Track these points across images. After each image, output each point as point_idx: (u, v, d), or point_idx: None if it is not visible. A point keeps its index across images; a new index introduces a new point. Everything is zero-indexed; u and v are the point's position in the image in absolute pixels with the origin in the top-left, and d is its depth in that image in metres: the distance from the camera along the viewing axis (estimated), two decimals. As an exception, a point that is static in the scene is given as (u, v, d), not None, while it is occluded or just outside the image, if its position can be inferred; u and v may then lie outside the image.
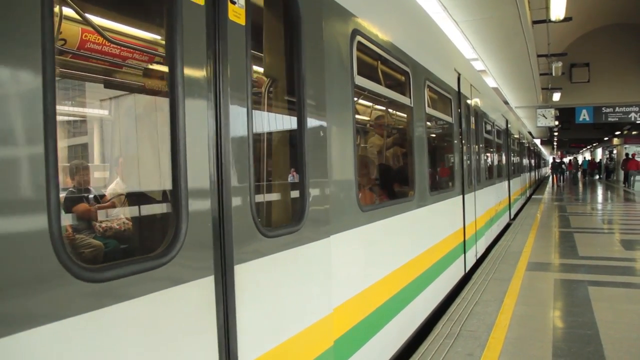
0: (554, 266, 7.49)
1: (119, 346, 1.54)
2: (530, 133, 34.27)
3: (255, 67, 3.52)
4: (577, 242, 9.52)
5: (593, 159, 48.06)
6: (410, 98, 4.57)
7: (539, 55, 15.92)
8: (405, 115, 4.94)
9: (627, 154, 33.34)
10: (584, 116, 21.65)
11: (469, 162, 7.47)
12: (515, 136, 17.25)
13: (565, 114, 25.62)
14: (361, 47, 3.46)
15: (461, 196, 6.76)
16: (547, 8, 11.49)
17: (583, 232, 11.01)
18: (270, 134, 2.84)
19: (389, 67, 4.33)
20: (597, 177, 40.09)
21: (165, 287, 1.70)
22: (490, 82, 17.32)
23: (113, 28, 3.65)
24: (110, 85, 3.78)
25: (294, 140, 2.66)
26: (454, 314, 5.13)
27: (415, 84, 4.67)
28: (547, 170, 55.90)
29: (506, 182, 13.04)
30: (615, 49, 20.64)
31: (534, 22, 12.71)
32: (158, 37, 3.61)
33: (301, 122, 2.63)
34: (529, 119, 28.92)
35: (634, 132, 34.27)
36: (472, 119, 7.87)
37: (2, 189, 1.25)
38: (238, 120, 2.09)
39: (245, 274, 2.08)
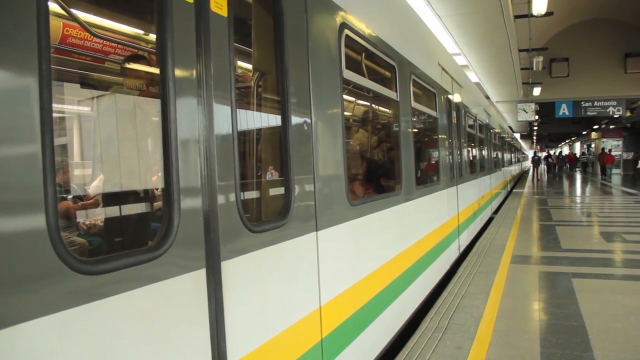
0: (538, 259, 7.57)
1: (117, 335, 1.57)
2: (510, 127, 34.67)
3: (241, 62, 3.46)
4: (559, 234, 9.65)
5: (571, 153, 48.88)
6: (396, 92, 4.59)
7: (520, 50, 16.07)
8: (391, 110, 5.00)
9: (602, 149, 34.01)
10: (564, 110, 21.95)
11: (452, 156, 7.57)
12: (496, 130, 17.48)
13: (545, 109, 25.99)
14: (349, 41, 3.42)
15: (446, 189, 6.84)
16: (529, 3, 11.59)
17: (564, 225, 11.17)
18: (256, 129, 2.82)
19: (375, 62, 4.36)
20: (576, 170, 40.89)
21: (161, 279, 1.72)
22: (472, 76, 17.43)
23: (94, 22, 3.53)
24: (90, 82, 3.70)
25: (278, 135, 2.63)
26: (441, 307, 5.14)
27: (401, 77, 4.69)
28: (527, 164, 56.74)
29: (488, 176, 13.20)
30: (594, 44, 20.94)
31: (516, 17, 12.81)
32: (142, 32, 3.53)
33: (285, 118, 2.60)
34: (509, 114, 29.24)
35: (611, 126, 34.91)
36: (454, 113, 7.95)
37: (3, 187, 1.28)
38: (222, 116, 2.06)
39: (233, 266, 2.11)
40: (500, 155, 18.88)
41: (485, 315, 4.86)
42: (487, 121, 13.70)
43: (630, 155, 36.47)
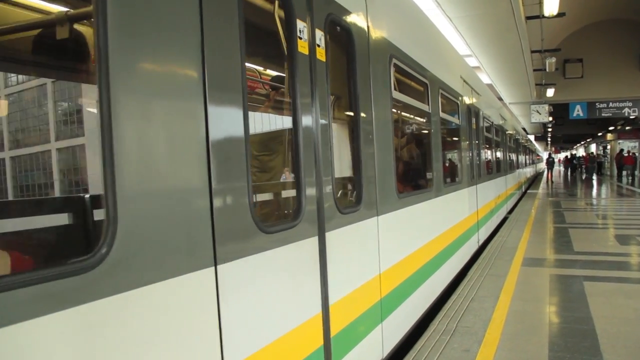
0: (549, 262, 7.50)
1: (280, 272, 2.44)
2: (524, 129, 34.38)
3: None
4: (572, 237, 9.55)
5: (589, 154, 48.04)
6: (428, 105, 5.43)
7: (532, 51, 15.95)
8: (423, 120, 5.88)
9: (621, 150, 33.53)
10: (578, 112, 21.72)
11: (472, 158, 8.34)
12: (511, 133, 17.65)
13: (559, 110, 25.72)
14: (395, 67, 4.25)
15: (467, 188, 7.64)
16: (541, 4, 11.50)
17: (578, 228, 11.04)
18: (339, 139, 3.67)
19: (412, 80, 5.18)
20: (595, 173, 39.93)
21: (297, 239, 2.59)
22: (484, 78, 17.32)
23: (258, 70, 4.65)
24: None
25: (350, 143, 3.50)
26: (450, 310, 5.12)
27: (432, 92, 5.54)
28: (542, 166, 56.29)
29: (504, 177, 13.64)
30: (608, 44, 20.70)
31: (528, 18, 12.71)
32: (280, 74, 4.41)
33: (356, 130, 3.42)
34: (523, 115, 28.99)
35: (627, 128, 34.42)
36: (474, 120, 8.71)
37: (224, 175, 2.02)
38: (326, 126, 2.93)
39: (332, 236, 2.96)
40: (514, 157, 19.05)
41: (494, 318, 4.83)
42: (502, 125, 14.23)
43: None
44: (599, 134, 41.57)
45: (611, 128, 35.72)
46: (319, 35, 2.90)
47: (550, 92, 21.29)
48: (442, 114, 6.03)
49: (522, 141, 25.43)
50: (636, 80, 20.81)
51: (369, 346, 3.46)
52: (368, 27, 3.69)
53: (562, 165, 55.35)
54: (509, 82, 19.97)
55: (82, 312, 1.40)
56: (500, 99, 21.74)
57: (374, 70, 3.71)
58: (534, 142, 50.04)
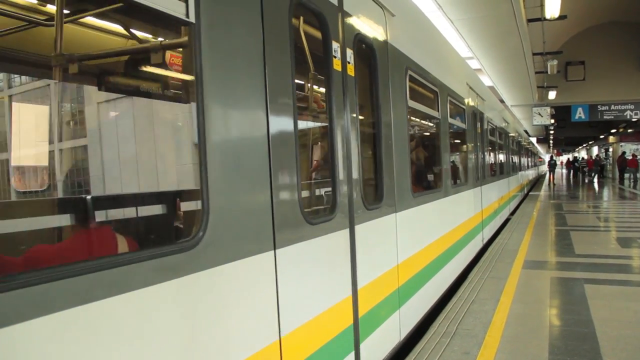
0: (551, 264, 7.49)
1: (320, 259, 2.85)
2: (526, 131, 34.34)
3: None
4: (574, 240, 9.53)
5: (591, 158, 47.86)
6: (438, 111, 5.86)
7: (534, 54, 15.95)
8: (433, 125, 6.30)
9: (623, 152, 33.45)
10: (580, 114, 21.70)
11: (477, 161, 8.77)
12: (513, 136, 17.83)
13: (561, 112, 25.69)
14: (410, 78, 4.65)
15: (472, 189, 8.08)
16: (542, 6, 11.51)
17: (579, 230, 11.03)
18: (363, 143, 3.90)
19: (424, 89, 5.53)
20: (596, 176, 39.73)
21: (333, 231, 2.99)
22: (486, 80, 17.32)
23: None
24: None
25: (373, 148, 3.86)
26: (450, 313, 5.12)
27: (442, 99, 5.96)
28: (543, 169, 56.27)
29: (507, 179, 14.01)
30: (610, 47, 20.69)
31: (529, 21, 12.72)
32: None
33: (378, 136, 3.84)
34: (525, 118, 28.97)
35: (629, 130, 34.36)
36: (479, 124, 9.14)
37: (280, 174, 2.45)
38: (355, 132, 3.35)
39: (359, 229, 3.35)
40: (517, 160, 19.22)
41: (495, 321, 4.83)
42: (505, 128, 14.55)
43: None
44: (601, 136, 41.51)
45: (613, 131, 35.65)
46: (349, 53, 3.31)
47: (552, 95, 21.28)
48: (450, 119, 6.46)
49: (524, 144, 25.51)
50: (638, 83, 20.80)
51: (388, 329, 3.86)
52: (387, 42, 4.09)
53: (564, 167, 55.39)
54: (510, 85, 19.98)
55: (185, 281, 1.83)
56: (502, 101, 21.73)
57: (392, 81, 4.11)
58: (536, 144, 49.97)
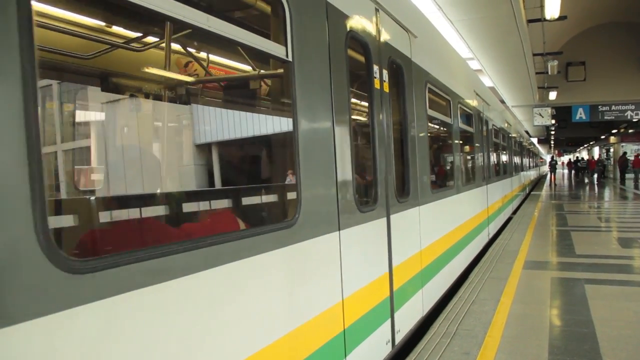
0: (551, 264, 7.50)
1: (367, 241, 3.49)
2: (527, 132, 34.33)
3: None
4: (574, 240, 9.53)
5: (592, 157, 47.75)
6: (450, 117, 6.60)
7: (534, 54, 15.95)
8: (446, 129, 7.01)
9: (624, 152, 33.39)
10: (581, 115, 21.69)
11: (482, 162, 9.50)
12: (515, 138, 18.15)
13: (562, 113, 25.69)
14: (429, 89, 5.34)
15: (479, 188, 8.79)
16: (542, 7, 11.51)
17: (580, 231, 11.03)
18: (395, 148, 4.43)
19: (440, 98, 6.17)
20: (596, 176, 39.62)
21: (376, 218, 3.64)
22: (487, 81, 17.33)
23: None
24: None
25: (401, 152, 4.49)
26: (450, 313, 5.13)
27: (453, 107, 6.68)
28: (545, 169, 56.24)
29: (510, 178, 14.66)
30: (610, 47, 20.69)
31: (529, 21, 12.73)
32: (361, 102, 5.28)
33: (404, 142, 4.52)
34: (526, 118, 28.95)
35: (630, 130, 34.33)
36: (484, 127, 9.88)
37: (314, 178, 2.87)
38: (395, 139, 4.17)
39: (398, 217, 4.11)
40: (519, 160, 19.54)
41: (495, 321, 4.84)
42: (507, 130, 15.24)
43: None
44: (602, 137, 41.47)
45: (614, 131, 35.62)
46: (385, 73, 3.96)
47: (552, 95, 21.29)
48: (460, 124, 7.21)
49: (526, 144, 25.66)
50: (639, 83, 20.77)
51: (414, 304, 4.52)
52: (411, 61, 4.78)
53: (565, 167, 55.33)
54: (511, 85, 19.98)
55: (288, 251, 2.53)
56: (502, 102, 21.73)
57: (415, 94, 4.80)
58: (537, 145, 49.95)
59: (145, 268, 1.66)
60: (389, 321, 3.83)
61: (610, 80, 21.07)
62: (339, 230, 3.04)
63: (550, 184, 32.16)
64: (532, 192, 24.96)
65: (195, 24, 1.98)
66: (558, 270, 7.08)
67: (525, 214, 14.61)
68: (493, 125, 11.35)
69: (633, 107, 20.81)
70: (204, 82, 4.16)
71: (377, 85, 3.78)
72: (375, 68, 3.78)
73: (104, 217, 3.26)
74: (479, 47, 13.89)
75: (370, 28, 3.78)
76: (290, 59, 2.62)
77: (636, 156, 30.99)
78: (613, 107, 21.14)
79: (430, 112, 5.44)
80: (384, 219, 3.83)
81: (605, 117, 21.53)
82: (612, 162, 40.70)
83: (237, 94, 4.48)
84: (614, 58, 20.78)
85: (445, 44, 7.14)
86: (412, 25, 4.90)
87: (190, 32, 2.64)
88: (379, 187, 3.72)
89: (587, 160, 45.61)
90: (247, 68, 4.17)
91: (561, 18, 12.37)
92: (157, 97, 4.14)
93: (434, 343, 4.32)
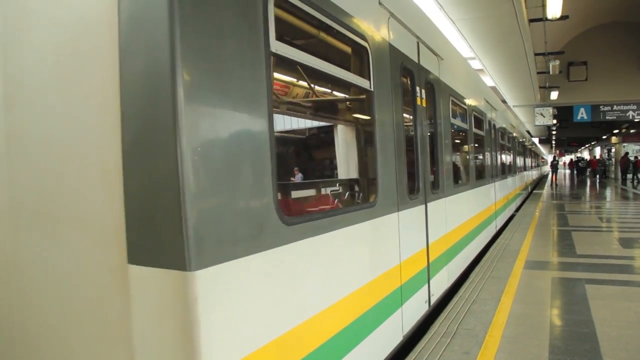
0: (552, 264, 7.49)
1: (413, 220, 4.54)
2: (528, 132, 34.28)
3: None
4: (575, 240, 9.52)
5: (594, 157, 47.55)
6: (467, 124, 7.78)
7: (536, 54, 15.91)
8: (463, 134, 8.06)
9: (626, 153, 33.33)
10: (582, 114, 21.65)
11: (491, 162, 10.64)
12: (519, 139, 18.76)
13: (563, 113, 25.62)
14: (451, 101, 6.46)
15: (489, 184, 10.00)
16: (544, 6, 11.49)
17: (581, 231, 11.01)
18: (429, 150, 5.44)
19: (458, 108, 7.25)
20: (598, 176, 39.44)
21: (418, 205, 4.69)
22: (488, 80, 17.30)
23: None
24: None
25: (434, 151, 5.58)
26: (451, 312, 5.12)
27: (469, 114, 7.91)
28: (546, 169, 56.23)
29: (513, 177, 15.58)
30: (612, 47, 20.64)
31: (531, 21, 12.70)
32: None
33: (435, 143, 5.61)
34: (527, 118, 28.89)
35: (632, 131, 34.25)
36: (493, 131, 10.98)
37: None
38: (425, 144, 5.18)
39: (433, 205, 5.22)
40: (522, 161, 20.13)
41: (495, 321, 4.83)
42: (512, 133, 16.24)
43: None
44: (604, 137, 41.37)
45: (616, 131, 35.55)
46: (423, 92, 5.07)
47: (554, 95, 21.23)
48: (474, 129, 8.41)
49: (528, 145, 25.90)
50: (641, 84, 20.73)
51: (441, 277, 5.53)
52: (439, 79, 5.81)
53: (567, 167, 55.24)
54: (512, 85, 19.93)
55: (372, 222, 3.58)
56: (504, 101, 21.69)
57: (442, 106, 5.89)
58: (538, 145, 49.90)
59: (319, 224, 2.82)
60: (426, 286, 4.88)
61: (612, 80, 21.02)
62: (398, 211, 4.12)
63: (552, 184, 32.12)
64: (534, 191, 24.93)
65: (317, 68, 2.92)
66: (559, 270, 7.07)
67: (526, 213, 14.60)
68: (499, 128, 12.32)
69: (635, 107, 20.77)
70: (316, 104, 5.20)
71: (418, 102, 4.92)
72: (417, 88, 4.93)
73: (301, 194, 5.01)
74: (480, 46, 13.86)
75: (414, 57, 4.84)
76: (372, 89, 3.65)
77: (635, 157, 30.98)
78: (615, 107, 21.09)
79: (453, 120, 6.54)
80: (423, 206, 4.89)
81: (607, 117, 21.48)
82: (613, 162, 40.62)
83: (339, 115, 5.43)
84: (616, 58, 20.73)
85: (463, 62, 8.40)
86: (440, 49, 5.94)
87: (312, 72, 3.18)
88: (420, 181, 4.82)
89: (589, 160, 45.52)
90: (341, 95, 5.03)
91: (563, 18, 12.34)
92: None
93: (434, 342, 4.32)
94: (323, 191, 5.14)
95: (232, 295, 2.03)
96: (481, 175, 9.25)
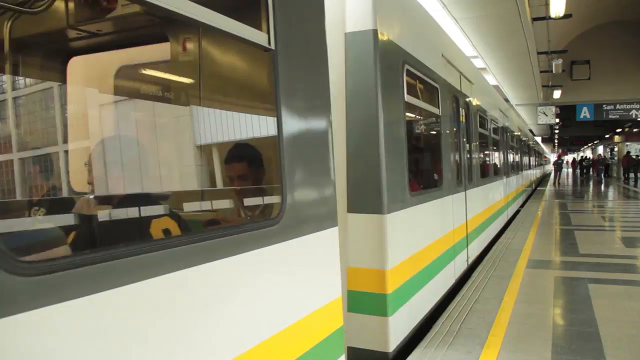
0: (555, 264, 7.48)
1: (458, 202, 6.50)
2: (531, 131, 34.25)
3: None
4: (578, 239, 9.51)
5: (597, 156, 47.38)
6: (487, 130, 9.52)
7: (539, 53, 15.87)
8: (485, 140, 9.63)
9: (628, 152, 33.25)
10: (585, 113, 21.61)
11: (504, 160, 12.44)
12: (525, 140, 19.49)
13: (566, 112, 25.58)
14: (479, 116, 8.42)
15: (501, 180, 11.68)
16: (547, 5, 11.46)
17: (584, 230, 11.00)
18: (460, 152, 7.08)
19: (484, 120, 8.94)
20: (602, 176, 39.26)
21: (461, 191, 6.75)
22: (491, 79, 17.27)
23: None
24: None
25: (463, 152, 7.06)
26: (453, 312, 5.12)
27: (489, 124, 9.75)
28: (549, 168, 56.21)
29: (520, 174, 16.88)
30: (615, 46, 20.57)
31: (534, 19, 12.68)
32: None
33: (470, 149, 7.42)
34: (529, 116, 28.85)
35: (635, 130, 34.17)
36: (504, 134, 12.50)
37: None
38: (470, 145, 7.68)
39: (468, 192, 7.11)
40: (527, 160, 20.86)
41: (498, 320, 4.83)
42: (519, 135, 17.24)
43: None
44: (607, 136, 41.28)
45: (618, 130, 35.47)
46: (463, 112, 6.86)
47: (557, 94, 21.19)
48: (492, 135, 10.29)
49: (532, 145, 26.38)
50: (644, 82, 20.66)
51: (475, 245, 7.43)
52: (472, 100, 7.62)
53: (569, 166, 55.20)
54: (515, 84, 19.90)
55: (442, 199, 5.60)
56: (507, 100, 21.66)
57: (473, 120, 7.74)
58: (540, 144, 49.85)
59: (422, 198, 4.80)
60: (466, 249, 6.67)
61: (615, 79, 20.96)
62: (452, 194, 5.92)
63: (554, 183, 32.09)
64: (537, 188, 24.99)
65: (420, 106, 5.07)
66: (561, 270, 7.06)
67: (529, 212, 14.58)
68: (510, 132, 14.36)
69: (638, 106, 20.72)
70: None
71: (462, 119, 6.76)
72: (461, 109, 6.82)
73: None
74: (483, 45, 13.84)
75: (458, 87, 6.62)
76: (440, 114, 5.51)
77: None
78: (618, 106, 21.05)
79: (480, 130, 8.48)
80: (464, 192, 6.72)
81: (610, 116, 21.45)
82: (615, 161, 40.54)
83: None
84: (619, 57, 20.67)
85: (485, 82, 10.82)
86: (472, 76, 7.79)
87: (415, 108, 5.12)
88: (462, 175, 6.66)
89: (592, 159, 45.40)
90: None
91: (566, 16, 12.30)
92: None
93: (437, 341, 4.32)
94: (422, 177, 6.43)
95: (399, 226, 4.06)
96: (497, 172, 11.24)
